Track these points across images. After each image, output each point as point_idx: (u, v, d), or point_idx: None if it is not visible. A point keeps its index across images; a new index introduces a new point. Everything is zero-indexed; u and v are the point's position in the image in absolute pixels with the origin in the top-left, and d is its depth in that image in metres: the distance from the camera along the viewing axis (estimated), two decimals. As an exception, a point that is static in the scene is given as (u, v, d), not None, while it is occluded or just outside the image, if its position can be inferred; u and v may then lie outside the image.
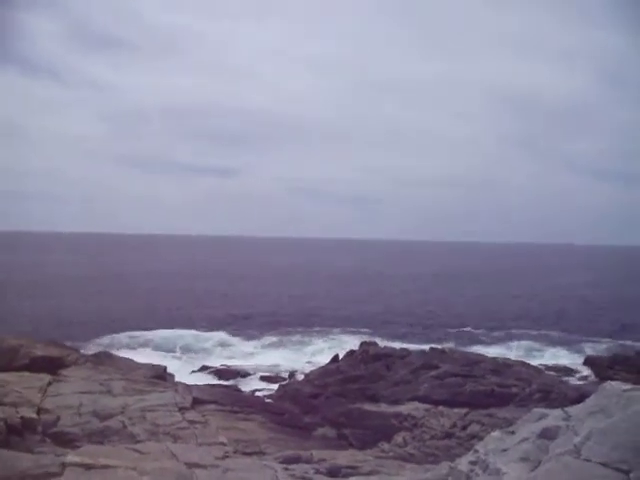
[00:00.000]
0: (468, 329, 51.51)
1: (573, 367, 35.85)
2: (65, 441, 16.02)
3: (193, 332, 46.45)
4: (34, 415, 16.91)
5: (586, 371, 34.88)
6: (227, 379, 32.43)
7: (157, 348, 40.47)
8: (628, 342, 45.49)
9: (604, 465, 6.49)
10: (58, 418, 17.46)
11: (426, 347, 35.75)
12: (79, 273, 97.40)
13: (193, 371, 33.61)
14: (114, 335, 43.71)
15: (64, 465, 9.96)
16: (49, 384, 20.18)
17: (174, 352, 39.94)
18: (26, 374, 21.01)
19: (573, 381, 32.31)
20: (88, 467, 9.92)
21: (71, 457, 10.39)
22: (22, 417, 16.03)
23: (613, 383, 7.98)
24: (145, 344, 41.47)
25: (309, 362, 37.02)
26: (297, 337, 46.78)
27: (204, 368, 34.52)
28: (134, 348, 39.67)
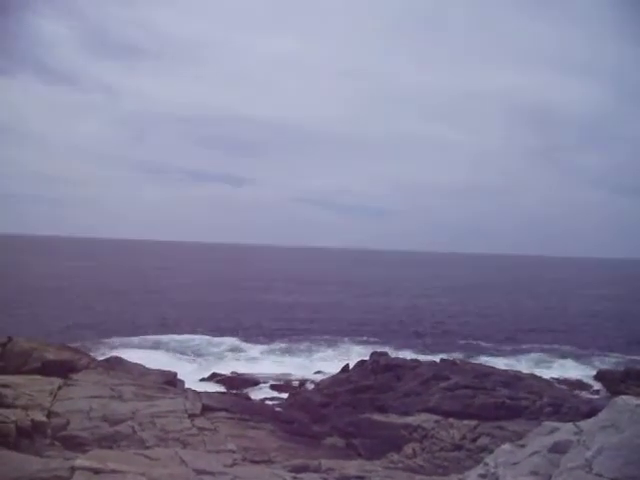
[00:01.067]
0: (478, 341, 51.18)
1: (585, 381, 35.57)
2: (74, 445, 16.05)
3: (205, 337, 47.51)
4: (44, 418, 16.97)
5: (598, 385, 34.59)
6: (236, 388, 32.38)
7: (170, 350, 41.71)
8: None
9: (615, 480, 6.43)
10: (68, 422, 17.51)
11: (437, 358, 35.64)
12: (95, 279, 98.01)
13: (203, 379, 33.56)
14: (130, 338, 45.00)
15: (73, 469, 9.99)
16: (60, 388, 20.25)
17: (187, 355, 41.07)
18: (37, 377, 21.11)
19: (585, 395, 32.06)
20: (97, 471, 9.94)
21: (80, 461, 10.41)
22: (32, 420, 16.08)
23: (625, 398, 7.92)
24: (158, 346, 42.55)
25: (318, 372, 36.87)
26: (306, 344, 47.13)
27: (214, 376, 34.44)
28: (147, 348, 41.04)
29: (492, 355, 44.24)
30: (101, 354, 34.98)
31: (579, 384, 34.44)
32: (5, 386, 18.89)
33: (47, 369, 23.09)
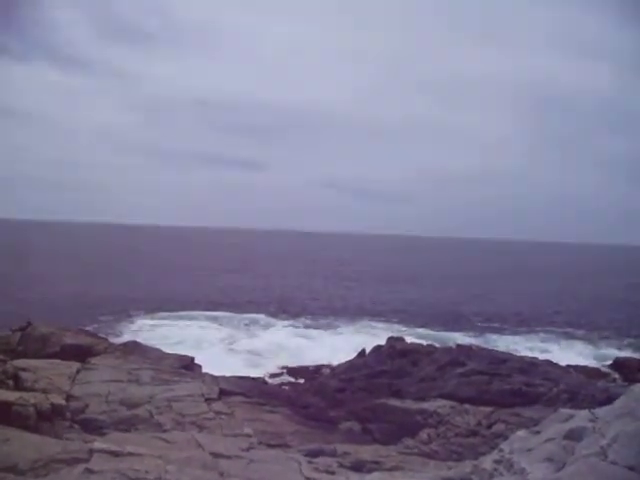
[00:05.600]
0: (494, 326, 51.18)
1: (601, 369, 35.38)
2: (93, 428, 16.25)
3: (234, 314, 50.11)
4: (63, 402, 17.17)
5: (615, 373, 34.39)
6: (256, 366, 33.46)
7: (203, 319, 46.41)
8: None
9: (631, 469, 6.43)
10: (86, 405, 17.72)
11: (452, 343, 35.57)
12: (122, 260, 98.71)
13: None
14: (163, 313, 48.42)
15: (92, 451, 10.12)
16: (78, 372, 20.47)
17: (218, 324, 45.21)
18: (56, 361, 21.35)
19: (601, 383, 31.88)
20: (115, 454, 10.06)
21: (98, 444, 10.55)
22: (52, 403, 16.28)
23: (642, 386, 7.89)
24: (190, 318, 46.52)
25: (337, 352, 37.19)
26: (328, 321, 50.03)
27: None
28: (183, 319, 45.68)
29: (508, 341, 44.11)
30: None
31: (596, 372, 34.23)
32: (25, 370, 19.17)
33: (65, 353, 23.35)
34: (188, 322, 44.59)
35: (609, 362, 36.63)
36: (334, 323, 49.19)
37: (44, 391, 17.48)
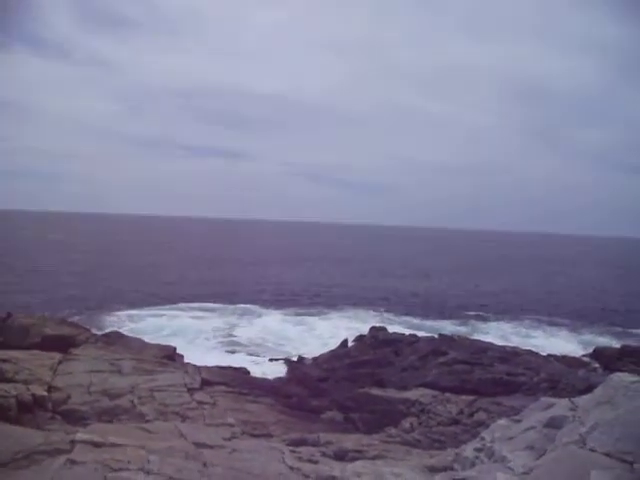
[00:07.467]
0: (476, 315, 51.55)
1: (582, 358, 35.69)
2: (75, 419, 16.20)
3: (221, 305, 50.39)
4: (45, 393, 17.10)
5: (595, 362, 34.70)
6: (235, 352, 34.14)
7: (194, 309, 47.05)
8: (638, 331, 46.04)
9: (609, 456, 6.53)
10: (68, 396, 17.64)
11: (435, 333, 35.78)
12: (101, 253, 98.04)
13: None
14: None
15: (73, 442, 10.06)
16: (60, 362, 20.37)
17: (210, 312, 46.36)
18: (38, 352, 21.23)
19: (581, 372, 32.18)
20: (97, 445, 10.01)
21: (80, 435, 10.49)
22: (33, 394, 16.21)
23: (620, 375, 8.00)
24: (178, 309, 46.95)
25: (324, 342, 37.31)
26: (316, 309, 50.62)
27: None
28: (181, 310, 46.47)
29: (490, 331, 44.45)
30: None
31: (576, 361, 34.54)
32: (5, 361, 19.02)
33: (47, 344, 23.23)
34: (176, 313, 44.75)
35: (592, 348, 37.01)
36: (323, 311, 49.61)
37: (25, 382, 17.38)
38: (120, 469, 8.99)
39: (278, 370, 31.15)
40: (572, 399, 8.74)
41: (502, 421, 9.89)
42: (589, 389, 9.71)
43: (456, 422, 20.68)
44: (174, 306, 47.69)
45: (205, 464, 9.92)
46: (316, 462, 11.71)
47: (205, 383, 21.28)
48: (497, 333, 42.56)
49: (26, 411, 15.39)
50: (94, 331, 29.67)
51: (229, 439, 13.63)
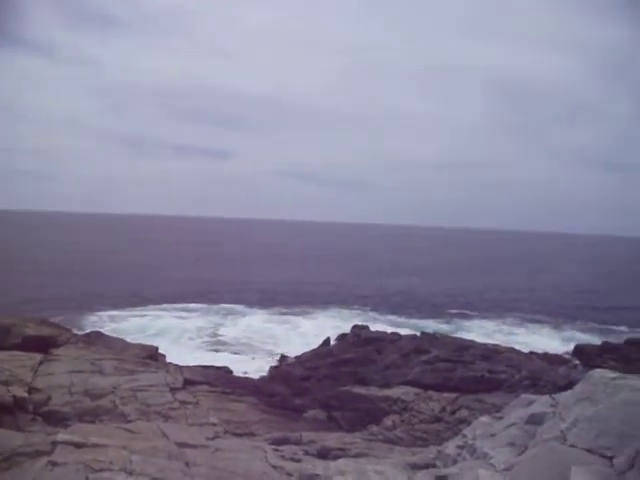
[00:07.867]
0: (459, 313, 51.96)
1: (562, 355, 35.99)
2: (56, 420, 16.06)
3: (206, 305, 50.50)
4: (25, 394, 16.92)
5: (575, 359, 35.01)
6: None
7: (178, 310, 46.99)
8: (618, 328, 46.79)
9: (589, 451, 6.59)
10: (49, 397, 17.49)
11: (417, 332, 35.91)
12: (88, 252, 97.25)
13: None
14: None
15: (55, 443, 9.98)
16: (40, 363, 20.16)
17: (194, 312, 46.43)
18: (18, 353, 20.97)
19: (562, 369, 32.45)
20: (79, 446, 9.93)
21: (62, 436, 10.40)
22: (13, 396, 16.05)
23: (600, 371, 8.07)
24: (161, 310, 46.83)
25: (308, 341, 37.30)
26: (301, 308, 50.66)
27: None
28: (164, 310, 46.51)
29: (474, 328, 44.72)
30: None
31: (557, 358, 34.85)
32: (-15, 362, 18.80)
33: (27, 345, 22.93)
34: (159, 313, 44.66)
35: (574, 344, 37.38)
36: (307, 310, 49.75)
37: (5, 383, 17.19)
38: (102, 470, 8.93)
39: (261, 369, 31.12)
40: (553, 396, 8.82)
41: (484, 418, 9.95)
42: (570, 386, 9.79)
43: (438, 419, 20.79)
44: (158, 306, 47.46)
45: (188, 464, 9.89)
46: (299, 461, 11.72)
47: (187, 383, 21.18)
48: (480, 331, 42.86)
49: (6, 413, 15.24)
50: (75, 331, 29.38)
51: (212, 438, 13.61)
